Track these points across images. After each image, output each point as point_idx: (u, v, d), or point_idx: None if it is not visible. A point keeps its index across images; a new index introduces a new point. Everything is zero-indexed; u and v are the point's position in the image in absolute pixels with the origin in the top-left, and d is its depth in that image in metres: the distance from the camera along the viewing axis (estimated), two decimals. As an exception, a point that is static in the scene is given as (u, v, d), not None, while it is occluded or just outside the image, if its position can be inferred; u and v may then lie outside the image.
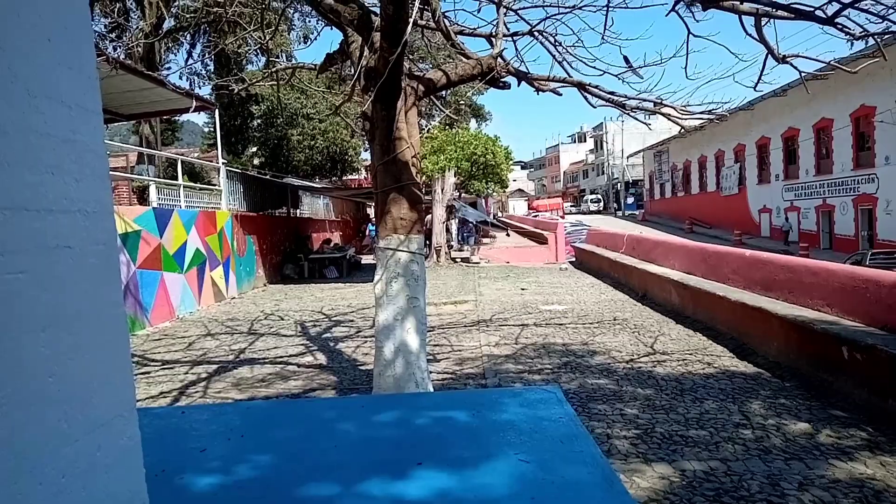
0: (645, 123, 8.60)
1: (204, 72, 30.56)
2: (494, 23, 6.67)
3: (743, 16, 4.98)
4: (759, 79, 5.56)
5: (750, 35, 5.07)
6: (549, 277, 17.70)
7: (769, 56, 5.28)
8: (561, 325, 9.93)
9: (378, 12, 5.53)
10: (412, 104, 6.04)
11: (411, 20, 5.79)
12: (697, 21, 5.19)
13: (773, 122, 29.98)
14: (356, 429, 2.00)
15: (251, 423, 2.06)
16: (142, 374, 7.50)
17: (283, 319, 11.32)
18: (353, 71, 7.38)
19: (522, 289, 14.99)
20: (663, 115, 6.66)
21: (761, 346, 7.49)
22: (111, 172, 13.96)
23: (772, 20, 5.05)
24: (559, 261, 22.97)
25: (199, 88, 31.95)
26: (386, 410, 2.20)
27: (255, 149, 34.58)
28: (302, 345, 8.97)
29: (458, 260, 23.05)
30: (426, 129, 28.64)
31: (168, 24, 24.33)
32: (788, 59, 5.33)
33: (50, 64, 1.13)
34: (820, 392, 5.92)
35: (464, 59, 6.50)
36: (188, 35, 28.15)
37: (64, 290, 1.10)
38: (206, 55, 28.02)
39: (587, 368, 7.08)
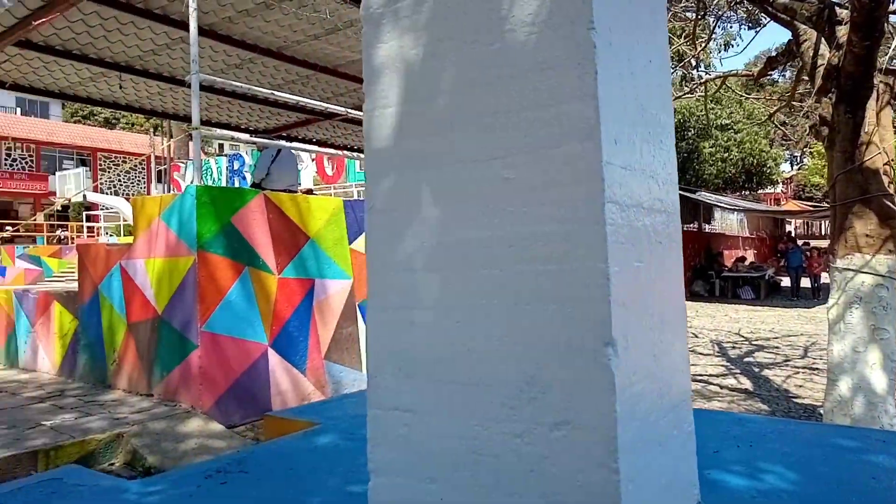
0: None
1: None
2: None
3: None
4: None
5: None
6: None
7: None
8: None
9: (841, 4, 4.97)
10: (886, 103, 5.23)
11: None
12: None
13: None
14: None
15: (755, 436, 2.03)
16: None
17: (696, 337, 10.96)
18: (799, 72, 6.76)
19: None
20: None
21: None
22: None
23: None
24: None
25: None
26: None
27: (664, 163, 34.42)
28: (721, 366, 8.53)
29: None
30: None
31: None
32: None
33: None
34: None
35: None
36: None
37: (670, 285, 1.26)
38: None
39: None
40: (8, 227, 20.19)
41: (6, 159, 30.35)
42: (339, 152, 11.42)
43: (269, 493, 1.72)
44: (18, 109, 35.71)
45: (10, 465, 3.61)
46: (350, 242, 5.97)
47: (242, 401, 4.86)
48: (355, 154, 11.16)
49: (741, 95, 14.66)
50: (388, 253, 1.24)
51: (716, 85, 9.94)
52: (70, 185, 18.43)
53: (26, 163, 30.98)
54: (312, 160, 16.28)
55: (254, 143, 7.50)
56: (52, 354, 6.03)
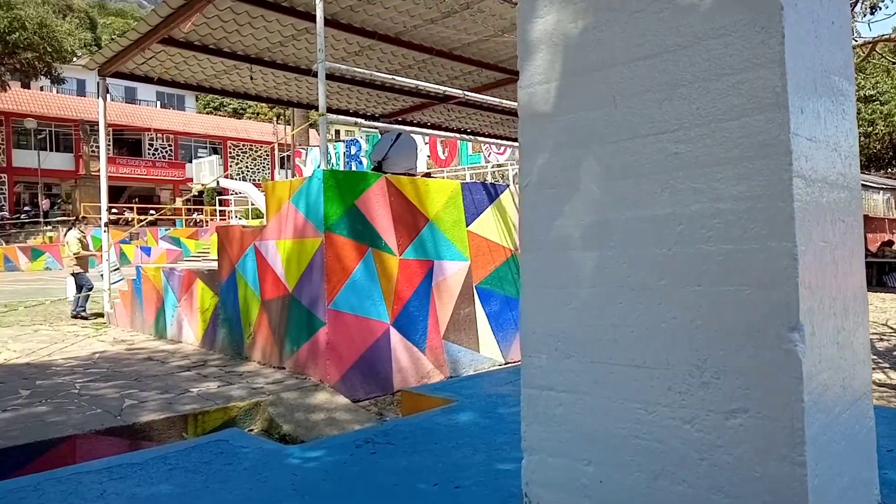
0: None
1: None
2: None
3: None
4: None
5: None
6: None
7: None
8: None
9: None
10: None
11: None
12: None
13: None
14: None
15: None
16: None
17: (833, 328, 10.13)
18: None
19: None
20: None
21: None
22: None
23: None
24: None
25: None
26: None
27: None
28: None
29: None
30: None
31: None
32: None
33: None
34: None
35: None
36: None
37: (853, 268, 1.16)
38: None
39: None
40: (152, 211, 22.11)
41: (149, 149, 33.26)
42: (453, 135, 11.50)
43: (418, 466, 1.77)
44: (158, 103, 38.94)
45: (166, 426, 3.98)
46: (467, 225, 6.02)
47: (366, 376, 5.05)
48: (468, 137, 11.21)
49: (892, 62, 13.20)
50: (543, 231, 1.23)
51: (863, 52, 9.04)
52: (205, 171, 19.86)
53: (166, 152, 33.82)
54: (426, 143, 16.51)
55: (374, 127, 7.71)
56: (196, 327, 6.55)
